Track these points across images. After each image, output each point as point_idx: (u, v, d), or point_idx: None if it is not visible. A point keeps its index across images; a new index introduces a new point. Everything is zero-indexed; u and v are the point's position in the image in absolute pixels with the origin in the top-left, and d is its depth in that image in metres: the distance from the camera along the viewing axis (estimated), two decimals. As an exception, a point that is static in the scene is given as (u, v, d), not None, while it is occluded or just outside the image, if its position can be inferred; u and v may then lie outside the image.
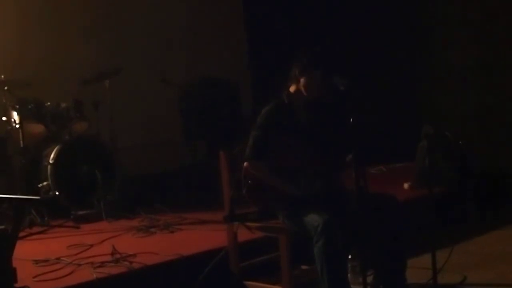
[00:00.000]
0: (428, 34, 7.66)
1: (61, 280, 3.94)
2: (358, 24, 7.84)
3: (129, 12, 7.31)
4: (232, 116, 6.97)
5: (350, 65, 5.37)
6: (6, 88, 5.84)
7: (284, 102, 3.90)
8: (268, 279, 4.09)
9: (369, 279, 3.83)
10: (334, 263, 3.53)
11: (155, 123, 7.21)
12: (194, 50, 7.65)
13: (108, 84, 6.28)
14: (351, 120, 3.45)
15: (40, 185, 5.76)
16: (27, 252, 4.50)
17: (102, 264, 4.15)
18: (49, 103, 6.01)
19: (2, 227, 3.44)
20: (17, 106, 5.80)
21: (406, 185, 5.91)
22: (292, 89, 3.91)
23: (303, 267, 4.19)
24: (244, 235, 4.12)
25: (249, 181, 3.83)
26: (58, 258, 4.35)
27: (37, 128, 6.00)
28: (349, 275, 3.85)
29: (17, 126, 5.78)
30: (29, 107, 5.88)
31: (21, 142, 5.76)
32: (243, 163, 3.87)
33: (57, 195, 5.66)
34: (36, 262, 4.32)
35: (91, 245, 4.72)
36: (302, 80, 3.85)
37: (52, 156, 5.73)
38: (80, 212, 5.65)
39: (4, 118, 5.95)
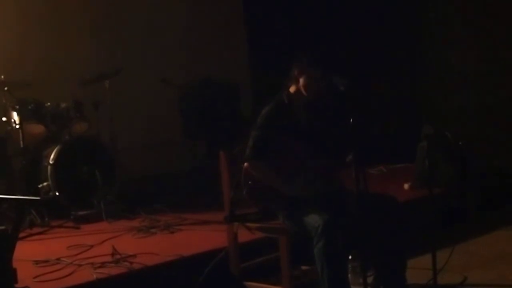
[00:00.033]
0: (428, 34, 7.66)
1: (61, 280, 3.94)
2: (358, 24, 7.83)
3: (129, 12, 7.31)
4: (232, 116, 6.96)
5: (350, 65, 5.38)
6: (6, 88, 5.83)
7: (284, 102, 3.90)
8: (268, 280, 4.08)
9: (370, 279, 3.82)
10: (335, 264, 3.53)
11: (155, 123, 7.21)
12: (194, 50, 7.64)
13: (108, 85, 6.28)
14: (351, 120, 3.45)
15: (40, 186, 5.76)
16: (27, 252, 4.50)
17: (102, 265, 4.15)
18: (49, 104, 6.01)
19: (2, 227, 3.44)
20: (17, 107, 5.80)
21: (406, 186, 5.91)
22: (292, 89, 3.91)
23: (303, 267, 4.19)
24: (244, 235, 4.12)
25: (249, 182, 3.83)
26: (58, 259, 4.35)
27: (37, 129, 5.99)
28: (349, 275, 3.85)
29: (17, 126, 5.78)
30: (29, 107, 5.87)
31: (21, 142, 5.75)
32: (243, 164, 3.86)
33: (57, 195, 5.66)
34: (36, 262, 4.32)
35: (91, 246, 4.72)
36: (302, 80, 3.85)
37: (52, 156, 5.73)
38: (80, 213, 5.64)
39: (4, 119, 5.95)
